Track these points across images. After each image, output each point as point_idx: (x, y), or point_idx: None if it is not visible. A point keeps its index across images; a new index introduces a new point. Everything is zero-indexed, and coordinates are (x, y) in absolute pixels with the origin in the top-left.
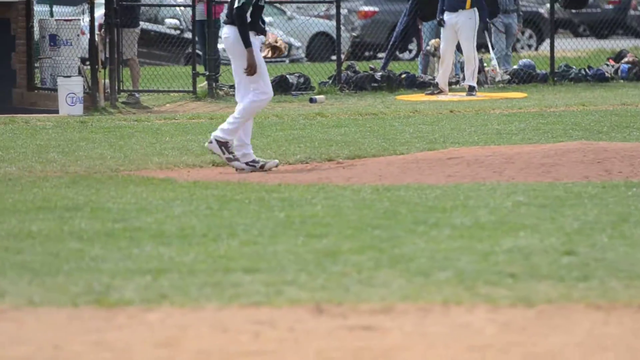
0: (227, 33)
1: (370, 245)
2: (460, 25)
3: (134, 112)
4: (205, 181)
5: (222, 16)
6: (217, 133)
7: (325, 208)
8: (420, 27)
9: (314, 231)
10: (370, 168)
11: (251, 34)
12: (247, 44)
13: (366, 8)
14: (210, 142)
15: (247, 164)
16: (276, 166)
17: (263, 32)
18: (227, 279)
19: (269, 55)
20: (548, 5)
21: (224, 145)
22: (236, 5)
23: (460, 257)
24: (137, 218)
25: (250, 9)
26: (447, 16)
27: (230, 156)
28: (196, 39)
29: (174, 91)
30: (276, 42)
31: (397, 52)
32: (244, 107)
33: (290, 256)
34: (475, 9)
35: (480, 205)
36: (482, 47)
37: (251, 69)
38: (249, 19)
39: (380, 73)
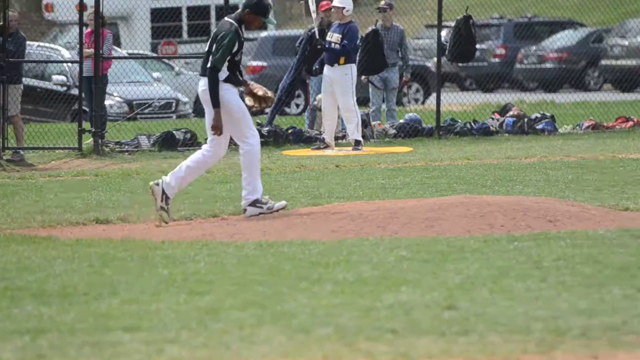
0: (203, 85)
1: (252, 301)
2: (336, 80)
3: (18, 169)
4: (87, 239)
5: (110, 72)
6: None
7: (209, 265)
8: (307, 81)
9: (196, 288)
10: (255, 224)
11: (229, 87)
12: (215, 104)
13: (254, 63)
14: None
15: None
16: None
17: (240, 84)
18: (107, 338)
19: (258, 106)
20: (435, 59)
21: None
22: (208, 65)
23: (341, 312)
24: (19, 277)
25: (226, 64)
26: (325, 70)
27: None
28: (83, 95)
29: (59, 148)
30: (266, 93)
31: (284, 107)
32: (243, 161)
33: (172, 314)
34: (352, 64)
35: (363, 261)
36: (366, 101)
37: (217, 130)
38: (223, 76)
39: (267, 128)
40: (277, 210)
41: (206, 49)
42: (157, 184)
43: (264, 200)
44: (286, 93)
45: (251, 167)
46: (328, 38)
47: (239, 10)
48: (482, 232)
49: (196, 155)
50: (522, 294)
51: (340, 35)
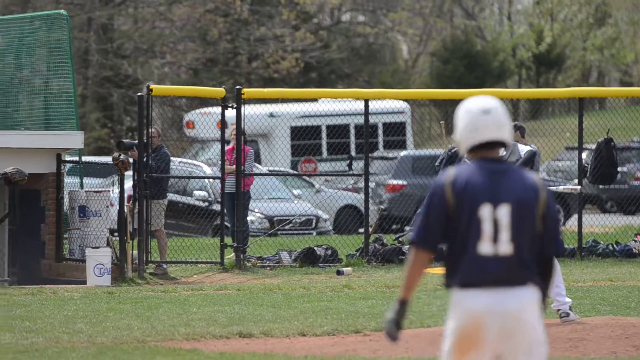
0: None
1: None
2: None
3: (162, 283)
4: (231, 352)
5: (251, 188)
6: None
7: None
8: None
9: None
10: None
11: None
12: None
13: (394, 181)
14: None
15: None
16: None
17: None
18: None
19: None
20: (576, 181)
21: None
22: None
23: None
24: None
25: None
26: None
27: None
28: (225, 210)
29: (202, 262)
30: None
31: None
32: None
33: None
34: None
35: None
36: None
37: None
38: None
39: (408, 246)
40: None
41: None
42: (567, 314)
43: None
44: None
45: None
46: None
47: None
48: (627, 354)
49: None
50: None
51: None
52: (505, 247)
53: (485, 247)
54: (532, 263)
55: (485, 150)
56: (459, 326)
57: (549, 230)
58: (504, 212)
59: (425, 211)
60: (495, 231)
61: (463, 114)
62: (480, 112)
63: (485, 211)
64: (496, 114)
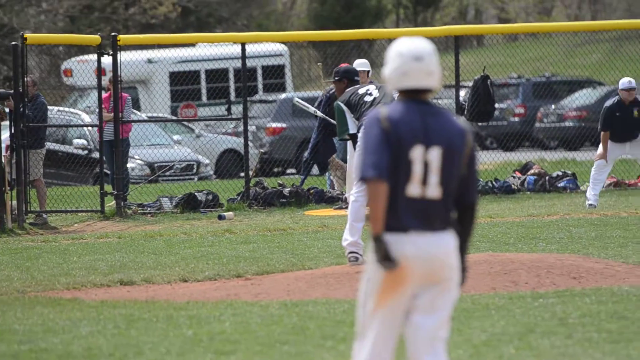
0: None
1: None
2: None
3: (42, 232)
4: (112, 300)
5: (131, 135)
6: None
7: (234, 325)
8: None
9: (222, 348)
10: (279, 284)
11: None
12: None
13: (274, 124)
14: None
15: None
16: None
17: None
18: None
19: None
20: None
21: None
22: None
23: None
24: (44, 339)
25: None
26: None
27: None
28: (104, 158)
29: (82, 211)
30: None
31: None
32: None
33: None
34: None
35: None
36: None
37: None
38: None
39: (288, 189)
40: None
41: None
42: (356, 258)
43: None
44: (312, 154)
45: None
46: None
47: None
48: (506, 290)
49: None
50: (548, 351)
51: None
52: (434, 190)
53: (414, 189)
54: (453, 208)
55: (414, 93)
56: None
57: (472, 176)
58: (435, 154)
59: (366, 145)
60: (425, 174)
61: (394, 56)
62: (412, 58)
63: (417, 152)
64: (427, 61)
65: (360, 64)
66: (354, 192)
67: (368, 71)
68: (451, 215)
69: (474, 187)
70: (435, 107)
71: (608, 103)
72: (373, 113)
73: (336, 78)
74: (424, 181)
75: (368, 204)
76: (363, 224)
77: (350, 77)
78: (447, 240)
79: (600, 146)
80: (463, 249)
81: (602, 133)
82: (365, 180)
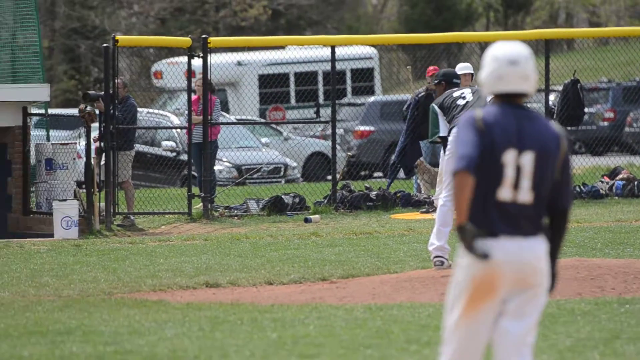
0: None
1: None
2: None
3: (129, 234)
4: (198, 302)
5: (219, 137)
6: None
7: (318, 328)
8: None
9: (306, 351)
10: (364, 287)
11: None
12: None
13: (362, 128)
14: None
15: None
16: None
17: None
18: None
19: None
20: None
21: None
22: None
23: None
24: (129, 341)
25: None
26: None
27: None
28: (192, 160)
29: (169, 213)
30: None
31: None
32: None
33: None
34: None
35: None
36: None
37: None
38: None
39: (375, 192)
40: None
41: None
42: (442, 262)
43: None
44: (399, 157)
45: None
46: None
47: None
48: (592, 295)
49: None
50: (634, 357)
51: None
52: (526, 195)
53: (505, 193)
54: (545, 213)
55: (509, 97)
56: (474, 275)
57: (565, 181)
58: (528, 159)
59: (461, 141)
60: (517, 178)
61: (490, 60)
62: (507, 62)
63: (509, 156)
64: (523, 65)
65: (463, 67)
66: (443, 197)
67: (472, 74)
68: (543, 221)
69: (568, 193)
70: (530, 111)
71: None
72: (468, 114)
73: (436, 81)
74: (516, 185)
75: (453, 195)
76: (450, 229)
77: (449, 80)
78: (538, 246)
79: None
80: (554, 255)
81: None
82: (456, 172)
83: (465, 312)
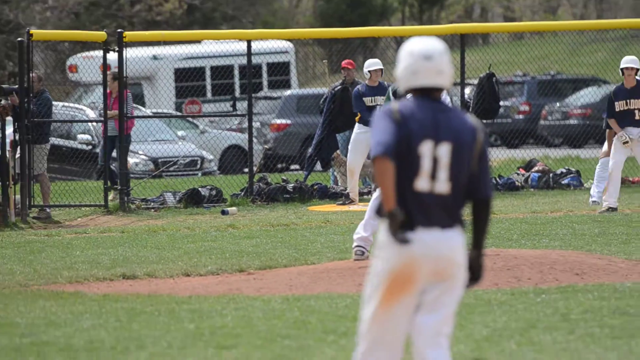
0: None
1: (279, 355)
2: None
3: (45, 227)
4: (115, 294)
5: (135, 130)
6: None
7: (236, 319)
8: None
9: (224, 342)
10: (281, 278)
11: None
12: None
13: (279, 121)
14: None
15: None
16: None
17: None
18: None
19: None
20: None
21: None
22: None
23: None
24: (46, 332)
25: None
26: (360, 129)
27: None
28: (104, 153)
29: (85, 205)
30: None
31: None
32: None
33: None
34: None
35: None
36: None
37: None
38: None
39: (292, 184)
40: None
41: None
42: (362, 253)
43: None
44: (316, 150)
45: None
46: (369, 102)
47: None
48: (509, 285)
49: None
50: (550, 346)
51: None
52: (443, 185)
53: (422, 184)
54: (463, 204)
55: (424, 92)
56: (392, 267)
57: (484, 172)
58: (444, 150)
59: (377, 130)
60: (434, 169)
61: (405, 56)
62: (422, 57)
63: (426, 147)
64: (438, 60)
65: (373, 63)
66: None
67: (382, 69)
68: (461, 213)
69: (487, 183)
70: (446, 104)
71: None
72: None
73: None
74: (433, 176)
75: (377, 181)
76: (378, 223)
77: None
78: (455, 238)
79: (605, 143)
80: (479, 245)
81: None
82: (375, 158)
83: (383, 303)
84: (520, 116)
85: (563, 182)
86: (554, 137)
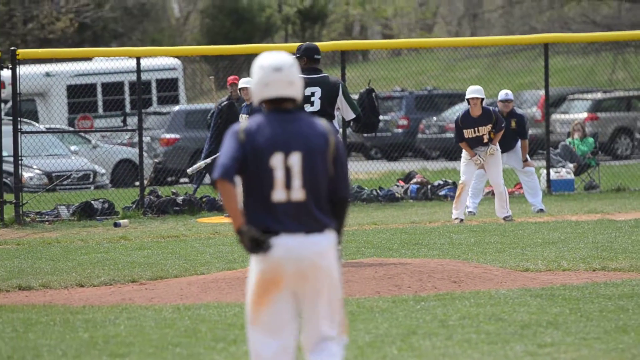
0: None
1: None
2: None
3: None
4: (10, 305)
5: (30, 146)
6: None
7: (128, 328)
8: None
9: (117, 351)
10: (172, 288)
11: None
12: None
13: (168, 135)
14: None
15: None
16: None
17: None
18: None
19: None
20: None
21: None
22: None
23: None
24: None
25: None
26: None
27: None
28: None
29: None
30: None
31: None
32: None
33: None
34: None
35: None
36: None
37: None
38: None
39: (182, 197)
40: None
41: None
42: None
43: None
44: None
45: None
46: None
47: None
48: (390, 293)
49: None
50: (429, 352)
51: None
52: (298, 193)
53: (278, 194)
54: (327, 208)
55: (276, 103)
56: (260, 271)
57: (340, 174)
58: (295, 159)
59: (222, 151)
60: (288, 178)
61: (257, 69)
62: (272, 69)
63: (276, 160)
64: (287, 71)
65: (247, 81)
66: None
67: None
68: (327, 217)
69: (344, 184)
70: (298, 113)
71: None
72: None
73: (297, 55)
74: (288, 186)
75: (223, 203)
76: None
77: (310, 55)
78: (322, 242)
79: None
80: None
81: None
82: (215, 181)
83: (255, 308)
84: (399, 130)
85: (440, 194)
86: (431, 150)
